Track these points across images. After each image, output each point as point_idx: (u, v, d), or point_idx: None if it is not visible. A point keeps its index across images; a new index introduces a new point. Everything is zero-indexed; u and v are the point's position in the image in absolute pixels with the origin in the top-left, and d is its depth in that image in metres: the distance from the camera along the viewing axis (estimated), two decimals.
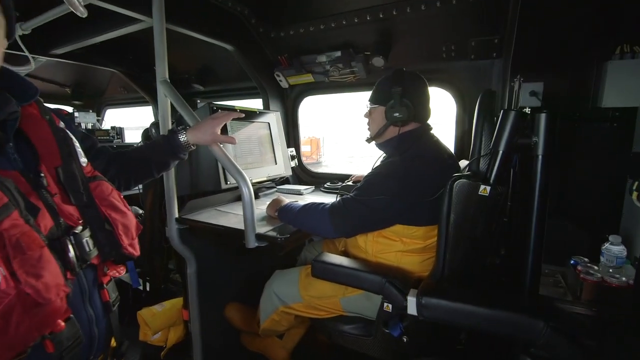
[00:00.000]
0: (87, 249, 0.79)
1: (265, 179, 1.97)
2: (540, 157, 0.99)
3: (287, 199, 1.48)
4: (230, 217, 1.51)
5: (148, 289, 2.13)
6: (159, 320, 1.77)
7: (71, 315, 0.74)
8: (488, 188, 1.00)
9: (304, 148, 15.15)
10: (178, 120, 1.61)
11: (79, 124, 2.58)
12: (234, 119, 1.78)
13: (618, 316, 1.07)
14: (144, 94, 2.90)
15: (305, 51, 2.06)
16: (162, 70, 1.35)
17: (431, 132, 1.37)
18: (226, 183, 1.63)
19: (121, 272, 0.94)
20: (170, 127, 1.40)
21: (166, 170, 1.25)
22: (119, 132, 2.78)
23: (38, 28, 1.61)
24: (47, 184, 0.75)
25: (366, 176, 1.29)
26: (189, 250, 1.51)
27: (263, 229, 1.31)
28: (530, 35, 1.40)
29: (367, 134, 1.46)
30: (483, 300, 0.92)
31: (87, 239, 0.79)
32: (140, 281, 2.10)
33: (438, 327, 1.12)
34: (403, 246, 1.25)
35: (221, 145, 1.27)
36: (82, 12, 1.19)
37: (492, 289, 1.20)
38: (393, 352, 1.24)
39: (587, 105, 1.42)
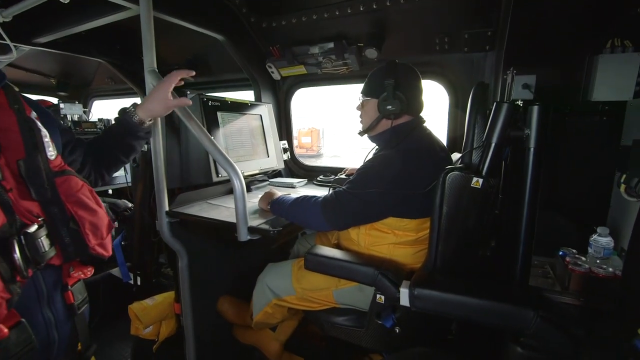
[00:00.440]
0: (42, 250, 0.74)
1: (257, 172, 1.95)
2: (532, 149, 0.99)
3: (279, 192, 1.47)
4: (221, 210, 1.49)
5: (139, 283, 2.10)
6: (151, 314, 1.76)
7: (21, 320, 0.71)
8: (480, 180, 1.01)
9: (305, 139, 15.04)
10: None
11: (65, 115, 2.51)
12: (224, 111, 1.77)
13: (605, 306, 1.10)
14: (132, 85, 2.83)
15: (297, 42, 2.02)
16: (150, 59, 1.31)
17: (424, 125, 1.37)
18: (217, 176, 1.61)
19: (87, 274, 0.90)
20: (159, 118, 1.36)
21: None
22: (106, 124, 2.71)
23: (20, 15, 1.54)
24: (3, 178, 0.71)
25: (359, 169, 1.28)
26: (179, 243, 1.50)
27: (255, 222, 1.30)
28: (523, 28, 1.40)
29: (360, 126, 1.45)
30: (474, 291, 0.93)
31: (42, 238, 0.75)
32: (131, 275, 2.08)
33: (429, 317, 1.13)
34: (395, 238, 1.26)
35: (212, 137, 1.25)
36: None
37: (483, 280, 1.21)
38: (385, 342, 1.26)
39: (578, 99, 1.43)
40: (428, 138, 1.32)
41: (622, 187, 1.24)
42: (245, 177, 1.25)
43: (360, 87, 1.44)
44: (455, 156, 1.42)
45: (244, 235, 1.23)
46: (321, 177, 2.13)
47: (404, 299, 1.01)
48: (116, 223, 2.12)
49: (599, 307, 1.11)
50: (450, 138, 1.94)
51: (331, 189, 1.33)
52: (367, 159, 1.35)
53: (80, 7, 1.61)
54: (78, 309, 0.89)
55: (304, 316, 1.59)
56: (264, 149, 2.04)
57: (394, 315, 1.15)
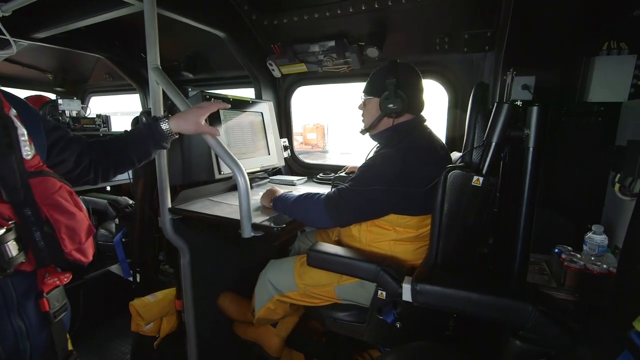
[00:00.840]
0: (8, 256, 0.70)
1: (258, 169, 1.96)
2: (531, 149, 1.02)
3: (281, 190, 1.49)
4: (223, 207, 1.50)
5: (138, 280, 2.11)
6: (152, 311, 1.76)
7: None
8: (481, 179, 1.03)
9: (310, 135, 14.70)
10: (170, 108, 1.58)
11: (63, 111, 2.49)
12: (227, 109, 1.77)
13: (600, 301, 1.13)
14: (131, 81, 2.82)
15: (298, 40, 2.03)
16: (153, 56, 1.31)
17: (425, 123, 1.39)
18: (220, 173, 1.62)
19: (64, 281, 0.85)
20: (161, 114, 1.37)
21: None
22: (105, 120, 2.69)
23: (19, 10, 1.53)
24: None
25: (360, 167, 1.30)
26: (182, 240, 1.50)
27: (258, 219, 1.31)
28: (522, 29, 1.43)
29: (362, 125, 1.47)
30: (475, 286, 0.96)
31: (9, 243, 0.71)
32: (131, 272, 2.08)
33: (429, 312, 1.16)
34: (396, 235, 1.28)
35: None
36: None
37: (483, 276, 1.24)
38: (386, 337, 1.28)
39: (575, 100, 1.46)
40: (429, 137, 1.34)
41: (617, 186, 1.28)
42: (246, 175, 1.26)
43: (361, 85, 1.45)
44: (455, 155, 1.45)
45: (247, 232, 1.25)
46: (321, 174, 2.15)
47: (407, 294, 1.03)
48: (117, 220, 2.13)
49: (593, 303, 1.15)
50: (449, 137, 1.97)
51: (333, 186, 1.35)
52: (369, 157, 1.37)
53: (82, 2, 1.61)
54: (55, 317, 0.84)
55: (305, 312, 1.61)
56: (265, 146, 2.05)
57: (395, 311, 1.18)
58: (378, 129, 1.39)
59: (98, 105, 4.11)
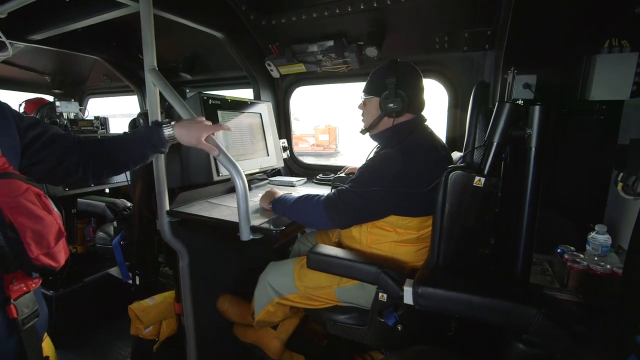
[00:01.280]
0: None
1: (257, 170, 1.95)
2: (533, 149, 1.00)
3: (280, 191, 1.47)
4: (222, 209, 1.49)
5: (138, 282, 2.09)
6: (151, 314, 1.75)
7: None
8: (482, 179, 1.02)
9: (322, 137, 14.64)
10: (167, 110, 1.57)
11: (61, 113, 2.47)
12: (224, 110, 1.76)
13: (603, 302, 1.12)
14: (129, 82, 2.80)
15: (297, 40, 2.02)
16: (150, 58, 1.30)
17: (425, 123, 1.37)
18: (218, 175, 1.61)
19: (32, 287, 0.83)
20: (159, 117, 1.35)
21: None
22: (103, 122, 2.68)
23: (15, 12, 1.52)
24: None
25: (360, 167, 1.29)
26: (180, 243, 1.49)
27: (257, 221, 1.30)
28: (523, 27, 1.41)
29: (362, 125, 1.45)
30: (478, 289, 0.94)
31: None
32: (130, 275, 2.07)
33: (432, 315, 1.14)
34: (397, 237, 1.27)
35: (213, 137, 1.24)
36: None
37: (484, 278, 1.23)
38: (388, 340, 1.27)
39: (576, 98, 1.45)
40: (429, 137, 1.33)
41: (620, 185, 1.26)
42: (245, 176, 1.25)
43: (360, 85, 1.44)
44: (456, 155, 1.43)
45: (246, 235, 1.23)
46: (321, 175, 2.13)
47: (408, 297, 1.02)
48: (115, 222, 2.11)
49: (597, 304, 1.13)
50: (449, 137, 1.95)
51: (333, 187, 1.33)
52: (369, 157, 1.35)
53: (78, 3, 1.59)
54: (24, 323, 0.82)
55: (305, 314, 1.59)
56: (264, 147, 2.03)
57: (397, 313, 1.16)
58: (378, 129, 1.38)
59: (97, 107, 4.10)
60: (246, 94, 2.45)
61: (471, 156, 1.13)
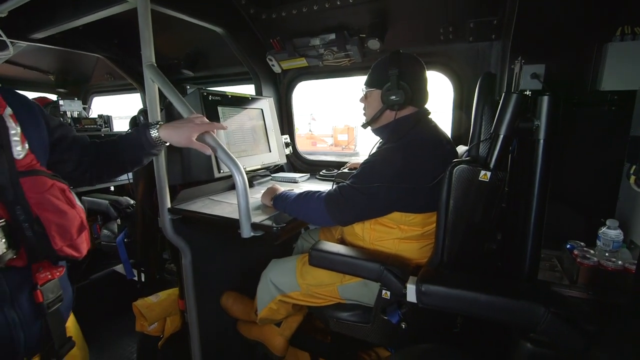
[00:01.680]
0: None
1: (259, 167, 1.93)
2: (541, 141, 0.97)
3: (282, 188, 1.45)
4: (224, 206, 1.48)
5: (143, 279, 2.10)
6: (155, 311, 1.76)
7: None
8: (488, 173, 0.99)
9: (341, 137, 14.67)
10: (167, 107, 1.56)
11: (65, 112, 2.49)
12: (225, 106, 1.74)
13: (615, 299, 1.08)
14: (131, 80, 2.80)
15: (298, 34, 1.99)
16: (148, 53, 1.28)
17: (429, 117, 1.34)
18: (219, 172, 1.60)
19: (56, 275, 0.89)
20: (159, 113, 1.34)
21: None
22: (106, 120, 2.69)
23: (16, 10, 1.51)
24: None
25: (362, 163, 1.26)
26: (182, 240, 1.48)
27: (258, 218, 1.28)
28: (530, 15, 1.36)
29: (363, 119, 1.42)
30: (483, 286, 0.91)
31: None
32: (135, 272, 2.08)
33: (436, 313, 1.12)
34: (401, 233, 1.24)
35: (214, 133, 1.22)
36: None
37: (491, 275, 1.20)
38: (391, 338, 1.25)
39: (586, 88, 1.40)
40: (433, 130, 1.29)
41: (632, 178, 1.21)
42: (248, 173, 1.23)
43: (363, 79, 1.41)
44: (461, 149, 1.40)
45: (247, 232, 1.22)
46: (324, 171, 2.10)
47: (411, 295, 0.99)
48: (119, 220, 2.12)
49: (608, 301, 1.10)
50: (455, 130, 1.91)
51: (335, 183, 1.31)
52: (372, 152, 1.32)
53: (77, 1, 1.58)
54: (49, 307, 0.88)
55: (309, 311, 1.58)
56: (266, 143, 2.01)
57: (400, 311, 1.14)
58: (380, 123, 1.35)
59: (102, 106, 4.12)
60: (248, 90, 2.44)
61: (477, 150, 1.10)
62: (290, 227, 1.29)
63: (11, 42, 1.79)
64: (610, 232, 1.24)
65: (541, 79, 1.30)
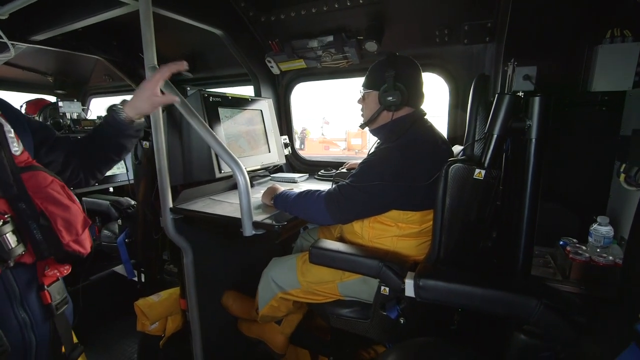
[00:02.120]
0: (8, 247, 0.73)
1: (259, 167, 1.96)
2: (533, 140, 1.00)
3: (282, 187, 1.48)
4: (225, 205, 1.50)
5: (143, 280, 2.12)
6: (157, 310, 1.77)
7: None
8: (483, 172, 1.02)
9: (354, 141, 14.44)
10: (168, 107, 1.58)
11: (64, 114, 2.49)
12: (225, 107, 1.76)
13: (606, 293, 1.12)
14: (130, 81, 2.81)
15: (296, 36, 2.01)
16: (150, 56, 1.31)
17: (424, 117, 1.37)
18: (220, 172, 1.62)
19: (64, 272, 0.88)
20: (160, 115, 1.36)
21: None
22: None
23: (16, 12, 1.53)
24: None
25: (361, 163, 1.29)
26: (184, 240, 1.50)
27: (259, 217, 1.31)
28: (523, 19, 1.40)
29: (361, 120, 1.45)
30: (479, 281, 0.95)
31: (7, 235, 0.73)
32: (135, 272, 2.09)
33: (434, 308, 1.15)
34: (399, 231, 1.27)
35: (214, 134, 1.25)
36: None
37: (486, 270, 1.23)
38: (390, 333, 1.27)
39: (578, 89, 1.44)
40: (429, 130, 1.32)
41: (622, 176, 1.25)
42: (247, 173, 1.25)
43: (360, 80, 1.44)
44: (457, 148, 1.43)
45: (248, 230, 1.24)
46: (322, 171, 2.13)
47: (409, 289, 1.02)
48: (119, 220, 2.13)
49: (599, 295, 1.13)
50: (450, 130, 1.95)
51: (334, 183, 1.34)
52: (370, 152, 1.36)
53: (77, 3, 1.60)
54: (57, 309, 0.87)
55: (309, 309, 1.60)
56: (265, 144, 2.04)
57: (399, 307, 1.17)
58: (377, 123, 1.38)
59: (101, 107, 4.12)
60: (247, 91, 2.46)
61: (471, 149, 1.13)
62: (290, 225, 1.31)
63: (12, 44, 1.80)
64: (601, 229, 1.28)
65: (533, 81, 1.33)
